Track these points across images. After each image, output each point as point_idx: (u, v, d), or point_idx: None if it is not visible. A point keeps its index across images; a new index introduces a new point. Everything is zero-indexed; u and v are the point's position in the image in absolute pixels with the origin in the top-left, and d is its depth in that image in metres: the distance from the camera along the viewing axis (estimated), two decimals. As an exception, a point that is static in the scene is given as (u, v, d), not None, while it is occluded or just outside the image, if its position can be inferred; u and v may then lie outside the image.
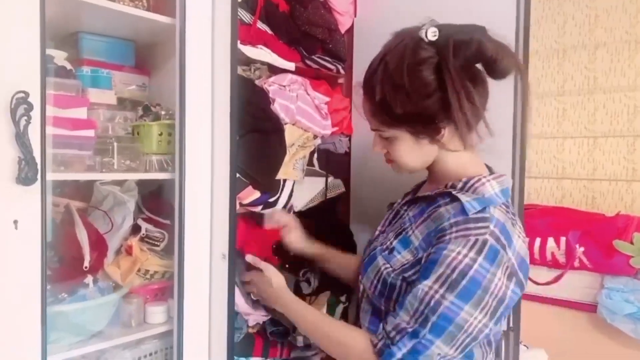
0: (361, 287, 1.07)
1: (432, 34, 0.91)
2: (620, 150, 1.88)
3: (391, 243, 1.00)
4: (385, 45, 0.97)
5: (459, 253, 0.86)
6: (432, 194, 0.99)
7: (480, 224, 0.88)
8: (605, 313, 1.76)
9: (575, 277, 1.86)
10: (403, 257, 0.96)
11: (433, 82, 0.90)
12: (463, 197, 0.92)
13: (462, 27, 0.93)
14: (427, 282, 0.88)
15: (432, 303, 0.86)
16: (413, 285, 0.90)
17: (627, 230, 1.76)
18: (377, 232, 1.12)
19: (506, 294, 0.88)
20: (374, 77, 0.96)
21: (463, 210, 0.90)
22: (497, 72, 0.93)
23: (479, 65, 0.93)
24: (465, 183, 0.95)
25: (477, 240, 0.86)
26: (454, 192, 0.94)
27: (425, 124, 0.94)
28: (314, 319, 1.08)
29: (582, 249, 1.84)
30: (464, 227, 0.89)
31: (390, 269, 0.97)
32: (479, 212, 0.90)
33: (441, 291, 0.86)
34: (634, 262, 1.73)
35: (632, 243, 1.74)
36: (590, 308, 1.83)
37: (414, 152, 0.99)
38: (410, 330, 0.89)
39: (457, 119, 0.90)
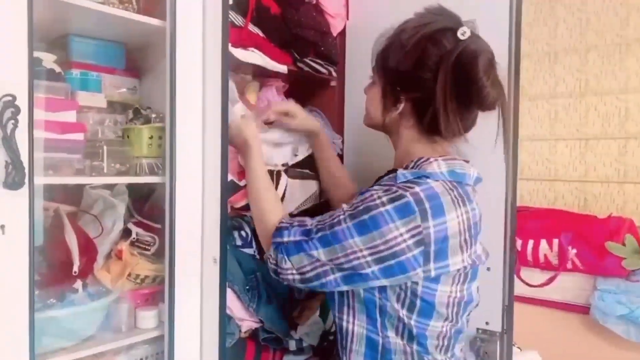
0: None
1: (461, 33, 0.97)
2: (611, 152, 1.89)
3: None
4: (422, 14, 1.05)
5: (376, 194, 0.94)
6: (383, 174, 1.07)
7: (407, 184, 0.94)
8: (598, 314, 1.76)
9: (568, 279, 1.87)
10: None
11: (429, 63, 0.97)
12: (400, 170, 0.98)
13: (488, 48, 1.01)
14: (344, 206, 0.98)
15: (334, 220, 0.96)
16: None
17: (619, 232, 1.77)
18: None
19: (403, 252, 0.90)
20: (399, 34, 1.04)
21: (395, 179, 0.97)
22: (481, 97, 0.98)
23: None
24: (415, 162, 1.01)
25: (396, 191, 0.92)
26: (399, 170, 0.99)
27: (393, 88, 1.04)
28: (261, 186, 1.15)
29: (574, 250, 1.85)
30: (391, 183, 0.96)
31: None
32: (410, 179, 0.96)
33: (345, 215, 0.95)
34: (626, 264, 1.73)
35: (624, 245, 1.75)
36: (582, 310, 1.84)
37: (375, 104, 1.09)
38: (307, 229, 1.00)
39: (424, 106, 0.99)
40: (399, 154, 1.10)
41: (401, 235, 0.89)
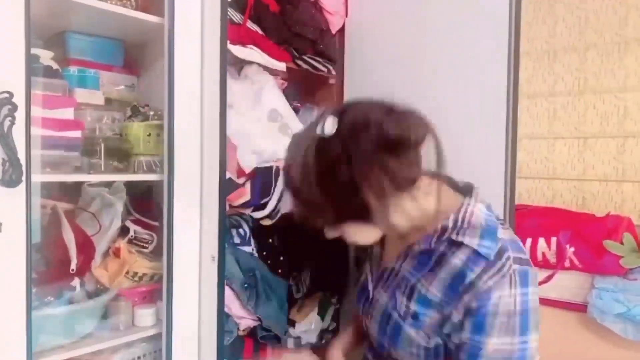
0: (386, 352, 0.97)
1: (329, 128, 0.81)
2: (610, 151, 1.89)
3: (408, 308, 0.89)
4: (294, 149, 0.86)
5: (505, 296, 0.81)
6: (430, 247, 0.89)
7: (503, 260, 0.83)
8: (596, 313, 1.77)
9: (566, 277, 1.87)
10: (429, 317, 0.87)
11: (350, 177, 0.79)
12: (471, 242, 0.85)
13: (361, 108, 0.83)
14: (492, 340, 0.81)
15: (510, 356, 0.82)
16: (457, 341, 0.85)
17: (617, 231, 1.77)
18: (369, 288, 0.99)
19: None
20: (299, 184, 0.83)
21: (479, 255, 0.84)
22: (408, 148, 0.81)
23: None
24: (456, 221, 0.87)
25: (510, 275, 0.82)
26: (456, 238, 0.86)
27: (363, 211, 0.82)
28: None
29: (572, 249, 1.85)
30: (492, 271, 0.82)
31: (425, 335, 0.88)
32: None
33: (511, 339, 0.81)
34: (624, 262, 1.73)
35: (622, 243, 1.75)
36: (580, 308, 1.84)
37: (367, 231, 0.89)
38: None
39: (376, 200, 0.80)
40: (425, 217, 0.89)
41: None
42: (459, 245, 0.86)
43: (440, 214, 0.88)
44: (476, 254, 0.84)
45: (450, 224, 0.87)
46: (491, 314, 0.81)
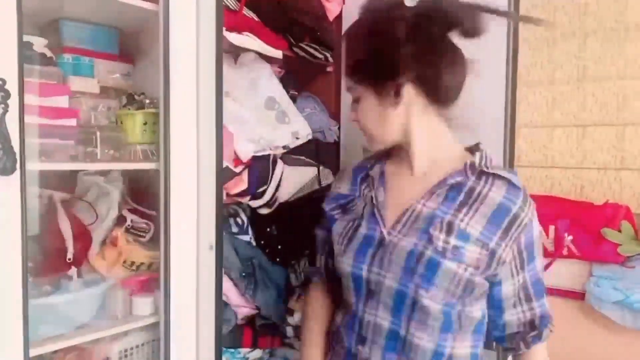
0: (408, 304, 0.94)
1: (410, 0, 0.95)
2: (609, 139, 1.88)
3: (448, 243, 0.91)
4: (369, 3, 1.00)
5: (537, 224, 0.97)
6: (458, 180, 0.95)
7: (526, 191, 0.98)
8: (594, 301, 1.77)
9: (564, 266, 1.87)
10: (471, 251, 0.91)
11: (404, 38, 0.91)
12: (506, 175, 0.96)
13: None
14: (538, 264, 0.99)
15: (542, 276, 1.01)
16: (503, 281, 0.97)
17: (616, 219, 1.77)
18: (383, 232, 0.97)
19: None
20: (355, 31, 1.00)
21: (516, 188, 0.95)
22: (469, 33, 0.94)
23: (454, 33, 0.95)
24: (481, 158, 0.97)
25: (533, 204, 0.97)
26: (488, 170, 0.96)
27: (385, 80, 0.94)
28: None
29: (570, 237, 1.85)
30: (528, 201, 0.95)
31: (470, 267, 0.90)
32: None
33: (541, 259, 1.00)
34: (622, 250, 1.74)
35: (620, 231, 1.75)
36: (578, 296, 1.84)
37: (377, 116, 0.96)
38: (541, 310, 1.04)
39: (420, 78, 0.93)
40: (429, 153, 0.98)
41: None
42: (491, 179, 0.95)
43: (458, 158, 0.98)
44: (513, 186, 0.95)
45: (477, 160, 0.96)
46: (536, 242, 0.96)
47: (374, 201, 1.00)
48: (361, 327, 0.98)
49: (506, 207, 0.92)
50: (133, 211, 1.20)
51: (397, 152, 1.03)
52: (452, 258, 0.90)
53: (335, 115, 1.61)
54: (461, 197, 0.94)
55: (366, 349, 0.97)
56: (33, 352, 0.91)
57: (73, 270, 1.06)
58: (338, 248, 1.02)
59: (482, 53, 1.04)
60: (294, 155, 1.43)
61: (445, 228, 0.92)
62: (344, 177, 1.10)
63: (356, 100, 1.00)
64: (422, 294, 0.90)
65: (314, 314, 1.12)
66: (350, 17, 1.59)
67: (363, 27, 0.98)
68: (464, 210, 0.92)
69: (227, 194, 1.24)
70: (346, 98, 1.60)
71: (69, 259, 1.05)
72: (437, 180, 0.96)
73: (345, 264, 0.99)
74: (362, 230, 0.99)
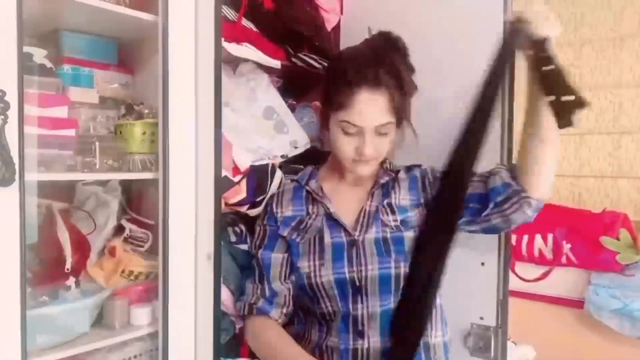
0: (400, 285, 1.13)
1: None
2: (605, 147, 1.89)
3: (397, 220, 1.17)
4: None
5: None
6: (386, 179, 1.24)
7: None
8: (592, 309, 1.77)
9: (562, 274, 1.88)
10: (412, 215, 1.18)
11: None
12: (402, 167, 1.29)
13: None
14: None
15: None
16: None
17: (613, 227, 1.77)
18: (353, 234, 1.17)
19: None
20: (387, 68, 1.12)
21: (409, 166, 1.28)
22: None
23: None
24: (389, 163, 1.28)
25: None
26: (395, 168, 1.28)
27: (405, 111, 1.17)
28: None
29: (569, 245, 1.86)
30: (424, 166, 1.27)
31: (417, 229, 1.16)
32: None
33: None
34: (621, 259, 1.74)
35: (618, 239, 1.75)
36: (577, 304, 1.85)
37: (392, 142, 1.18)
38: None
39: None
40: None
41: None
42: (397, 172, 1.26)
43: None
44: (409, 167, 1.28)
45: (387, 164, 1.27)
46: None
47: (329, 212, 1.19)
48: (356, 323, 1.11)
49: (413, 175, 1.25)
50: (131, 221, 1.20)
51: (328, 167, 1.29)
52: (406, 228, 1.15)
53: (334, 125, 1.61)
54: (388, 187, 1.22)
55: (365, 341, 1.09)
56: (31, 363, 0.91)
57: (71, 280, 1.06)
58: (311, 265, 1.15)
59: (480, 59, 1.05)
60: (292, 164, 1.43)
61: (388, 210, 1.18)
62: (283, 201, 1.26)
63: (383, 133, 1.13)
64: (402, 265, 1.11)
65: (276, 332, 1.17)
66: (348, 27, 1.61)
67: (402, 58, 1.18)
68: (393, 194, 1.20)
69: (226, 204, 1.24)
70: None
71: (68, 269, 1.05)
72: (371, 183, 1.24)
73: (325, 274, 1.12)
74: (327, 240, 1.16)
